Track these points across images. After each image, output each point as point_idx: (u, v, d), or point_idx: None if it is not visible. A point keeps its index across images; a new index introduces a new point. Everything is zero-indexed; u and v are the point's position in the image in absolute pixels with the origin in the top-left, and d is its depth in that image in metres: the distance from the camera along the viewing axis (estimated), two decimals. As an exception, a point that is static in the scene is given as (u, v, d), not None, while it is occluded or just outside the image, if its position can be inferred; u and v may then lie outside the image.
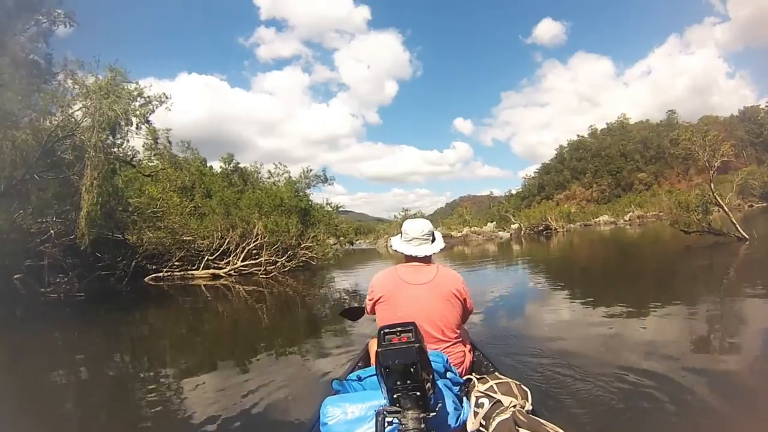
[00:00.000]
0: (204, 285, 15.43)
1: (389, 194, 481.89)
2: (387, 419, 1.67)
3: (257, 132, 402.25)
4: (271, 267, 17.08)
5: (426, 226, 2.87)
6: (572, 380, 3.80)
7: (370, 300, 2.81)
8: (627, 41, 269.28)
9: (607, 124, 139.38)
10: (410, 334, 1.66)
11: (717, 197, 16.08)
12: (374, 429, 1.67)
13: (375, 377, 1.84)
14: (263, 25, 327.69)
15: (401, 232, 2.89)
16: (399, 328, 1.68)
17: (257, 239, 17.36)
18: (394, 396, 1.66)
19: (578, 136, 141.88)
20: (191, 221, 17.57)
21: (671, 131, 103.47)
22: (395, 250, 2.86)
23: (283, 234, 17.61)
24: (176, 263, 17.35)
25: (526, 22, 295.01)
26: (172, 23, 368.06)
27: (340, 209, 28.00)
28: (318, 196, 28.21)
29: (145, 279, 16.03)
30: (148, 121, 20.97)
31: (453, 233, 48.47)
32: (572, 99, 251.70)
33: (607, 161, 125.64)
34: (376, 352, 1.66)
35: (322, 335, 6.94)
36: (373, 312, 2.82)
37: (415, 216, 51.66)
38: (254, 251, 17.54)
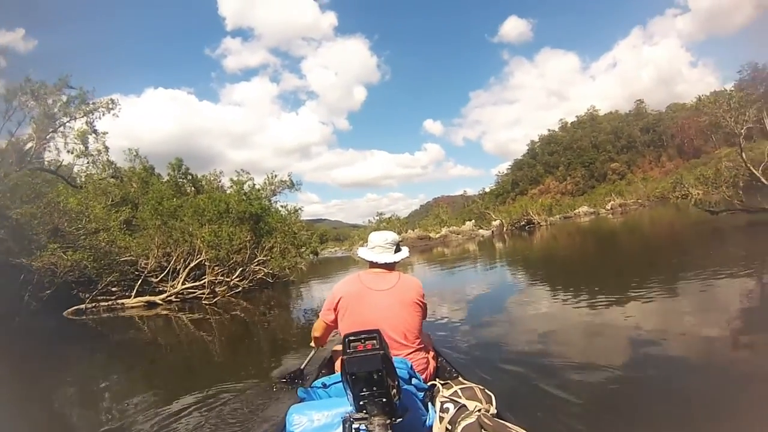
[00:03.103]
0: (139, 316, 12.56)
1: (363, 200, 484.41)
2: (354, 426, 1.69)
3: (228, 144, 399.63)
4: (221, 289, 14.10)
5: (390, 236, 2.95)
6: (538, 383, 3.78)
7: (329, 308, 2.81)
8: (591, 35, 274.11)
9: (577, 117, 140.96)
10: (375, 341, 1.68)
11: (752, 168, 13.69)
12: None
13: (340, 384, 1.91)
14: (229, 35, 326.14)
15: (367, 241, 3.01)
16: (363, 336, 1.70)
17: (198, 256, 14.39)
18: (361, 403, 1.68)
19: (549, 130, 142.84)
20: (119, 237, 14.66)
21: (640, 120, 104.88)
22: (360, 257, 2.95)
23: (224, 247, 14.49)
24: (113, 289, 14.48)
25: (492, 21, 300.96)
26: (136, 38, 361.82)
27: (299, 214, 25.14)
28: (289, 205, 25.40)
29: (64, 313, 13.01)
30: (95, 131, 19.48)
31: (431, 235, 45.66)
32: (541, 95, 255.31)
33: (579, 153, 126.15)
34: (342, 360, 1.69)
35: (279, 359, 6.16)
36: (333, 323, 2.83)
37: (389, 220, 51.01)
38: (206, 269, 14.63)
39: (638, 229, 26.19)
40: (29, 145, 17.60)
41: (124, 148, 25.80)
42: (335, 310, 2.77)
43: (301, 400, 2.34)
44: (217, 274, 14.19)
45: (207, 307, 12.67)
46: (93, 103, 18.40)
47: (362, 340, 1.68)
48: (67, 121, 18.16)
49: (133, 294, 14.06)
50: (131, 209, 18.22)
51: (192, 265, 14.35)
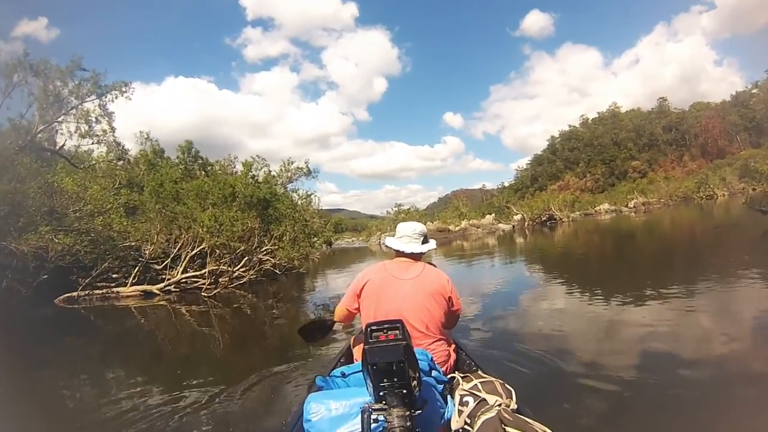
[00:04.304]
0: (135, 306, 11.67)
1: (381, 191, 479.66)
2: (373, 416, 1.66)
3: (248, 133, 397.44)
4: (223, 279, 12.88)
5: (418, 227, 2.94)
6: (557, 378, 3.81)
7: (353, 294, 2.77)
8: (614, 31, 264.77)
9: (598, 113, 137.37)
10: (397, 332, 1.64)
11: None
12: (358, 426, 1.75)
13: (359, 374, 2.01)
14: (250, 25, 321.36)
15: (395, 231, 2.98)
16: (386, 326, 1.66)
17: (200, 243, 13.19)
18: (381, 393, 1.65)
19: (570, 126, 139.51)
20: (116, 220, 13.56)
21: (663, 118, 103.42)
22: (387, 246, 2.98)
23: (225, 233, 13.13)
24: (113, 276, 13.64)
25: (513, 15, 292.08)
26: (158, 26, 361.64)
27: (311, 200, 23.61)
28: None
29: (56, 300, 12.12)
30: (107, 113, 18.92)
31: (451, 227, 44.45)
32: (561, 90, 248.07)
33: (599, 150, 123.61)
34: (363, 350, 1.65)
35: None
36: (356, 310, 2.81)
37: (408, 211, 50.01)
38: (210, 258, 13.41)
39: (668, 229, 24.55)
40: (41, 127, 17.17)
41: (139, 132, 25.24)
42: (359, 297, 2.75)
43: (320, 388, 2.30)
44: (220, 263, 13.06)
45: (207, 299, 11.63)
46: (105, 86, 18.25)
47: (384, 330, 1.64)
48: (79, 104, 18.07)
49: (129, 282, 13.06)
50: (134, 192, 17.17)
51: (193, 252, 13.27)
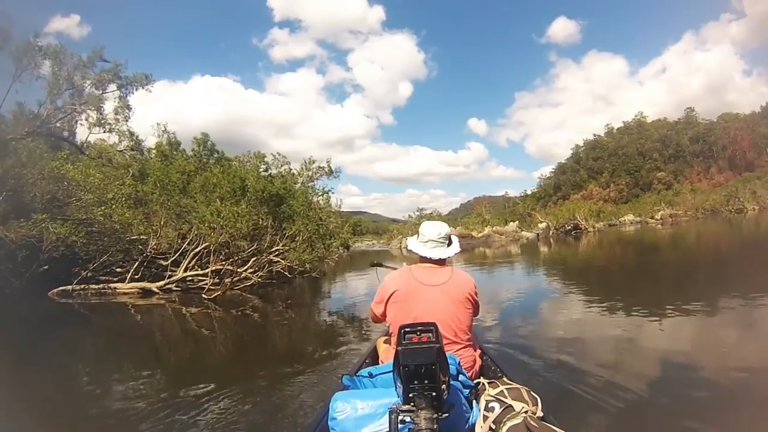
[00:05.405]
0: (131, 304, 10.94)
1: (404, 195, 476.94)
2: (400, 417, 1.65)
3: (272, 133, 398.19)
4: (227, 280, 11.71)
5: (443, 229, 2.85)
6: (582, 388, 3.72)
7: (379, 301, 2.74)
8: (641, 39, 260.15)
9: (623, 122, 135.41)
10: (431, 335, 1.66)
11: None
12: (384, 426, 1.77)
13: (387, 375, 2.05)
14: (277, 26, 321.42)
15: (418, 233, 2.92)
16: (419, 328, 1.68)
17: (203, 239, 12.22)
18: (410, 395, 1.64)
19: (594, 135, 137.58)
20: (117, 211, 12.66)
21: (690, 129, 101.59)
22: (410, 251, 2.90)
23: (227, 230, 11.93)
24: (117, 270, 13.06)
25: (540, 22, 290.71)
26: (185, 26, 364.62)
27: (328, 197, 21.86)
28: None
29: (50, 293, 11.44)
30: (127, 105, 18.60)
31: (473, 234, 43.60)
32: (586, 98, 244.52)
33: (624, 160, 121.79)
34: (396, 351, 1.65)
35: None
36: (383, 316, 2.77)
37: (431, 216, 48.57)
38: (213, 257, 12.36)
39: (701, 243, 23.12)
40: (60, 115, 16.83)
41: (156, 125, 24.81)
42: (386, 303, 2.67)
43: (346, 387, 2.29)
44: (225, 262, 12.05)
45: (207, 300, 10.69)
46: (125, 77, 18.29)
47: (418, 332, 1.66)
48: (100, 93, 17.92)
49: (128, 278, 12.27)
50: (141, 183, 16.37)
51: (197, 249, 12.37)
